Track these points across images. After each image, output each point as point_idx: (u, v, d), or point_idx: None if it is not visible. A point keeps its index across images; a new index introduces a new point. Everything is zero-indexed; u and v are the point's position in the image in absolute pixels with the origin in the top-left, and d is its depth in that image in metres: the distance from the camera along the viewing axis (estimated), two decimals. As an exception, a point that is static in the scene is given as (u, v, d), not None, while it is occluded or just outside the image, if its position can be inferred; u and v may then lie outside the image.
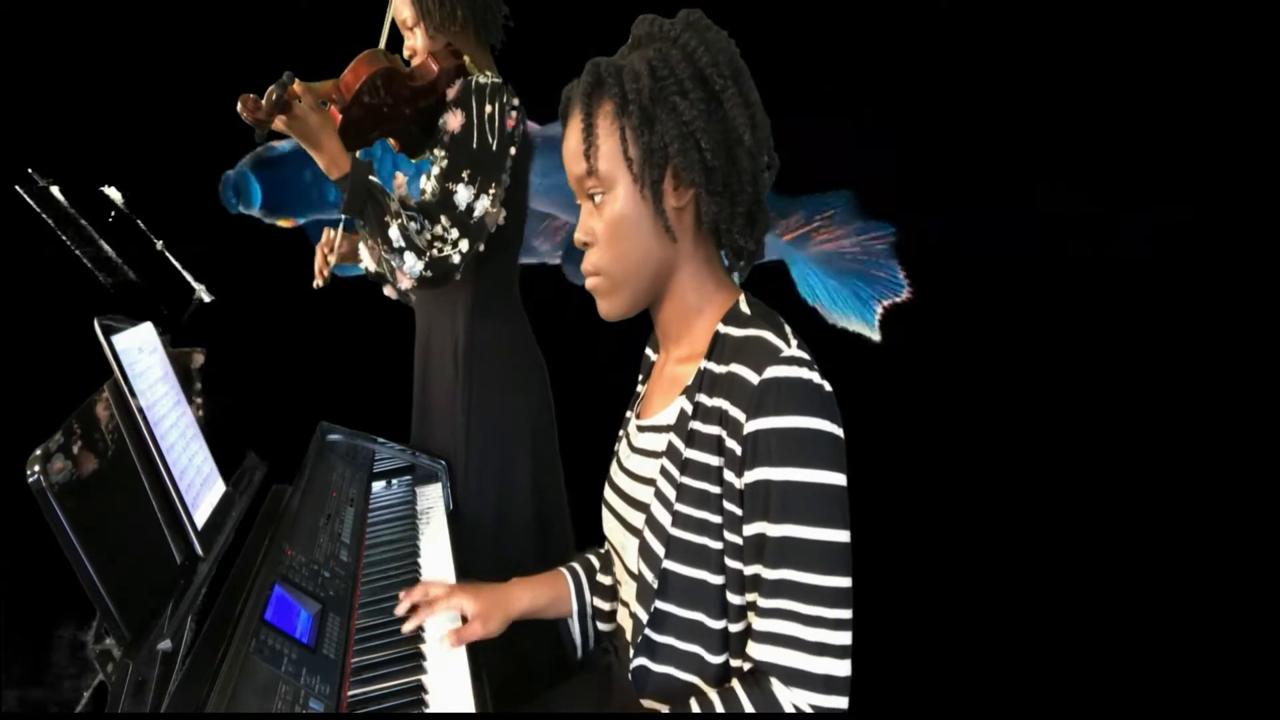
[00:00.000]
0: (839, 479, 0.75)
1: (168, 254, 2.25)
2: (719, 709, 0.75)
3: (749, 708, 0.73)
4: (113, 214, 2.16)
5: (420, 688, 0.91)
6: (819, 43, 2.20)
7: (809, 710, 0.71)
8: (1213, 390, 1.99)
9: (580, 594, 1.05)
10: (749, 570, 0.76)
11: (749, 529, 0.76)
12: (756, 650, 0.74)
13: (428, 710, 0.89)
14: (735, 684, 0.76)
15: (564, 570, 1.07)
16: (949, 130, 2.20)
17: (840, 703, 0.72)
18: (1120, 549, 2.02)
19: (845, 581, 0.74)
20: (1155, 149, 2.00)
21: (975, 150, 2.18)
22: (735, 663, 0.81)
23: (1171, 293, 2.03)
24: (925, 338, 2.30)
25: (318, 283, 1.49)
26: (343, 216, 1.43)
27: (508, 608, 1.02)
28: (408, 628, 0.99)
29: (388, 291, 1.62)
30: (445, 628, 1.00)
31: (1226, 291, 1.97)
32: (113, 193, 2.14)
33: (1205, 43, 1.91)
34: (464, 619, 1.01)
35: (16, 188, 1.96)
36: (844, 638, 0.73)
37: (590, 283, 0.88)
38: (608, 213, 0.83)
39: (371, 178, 1.32)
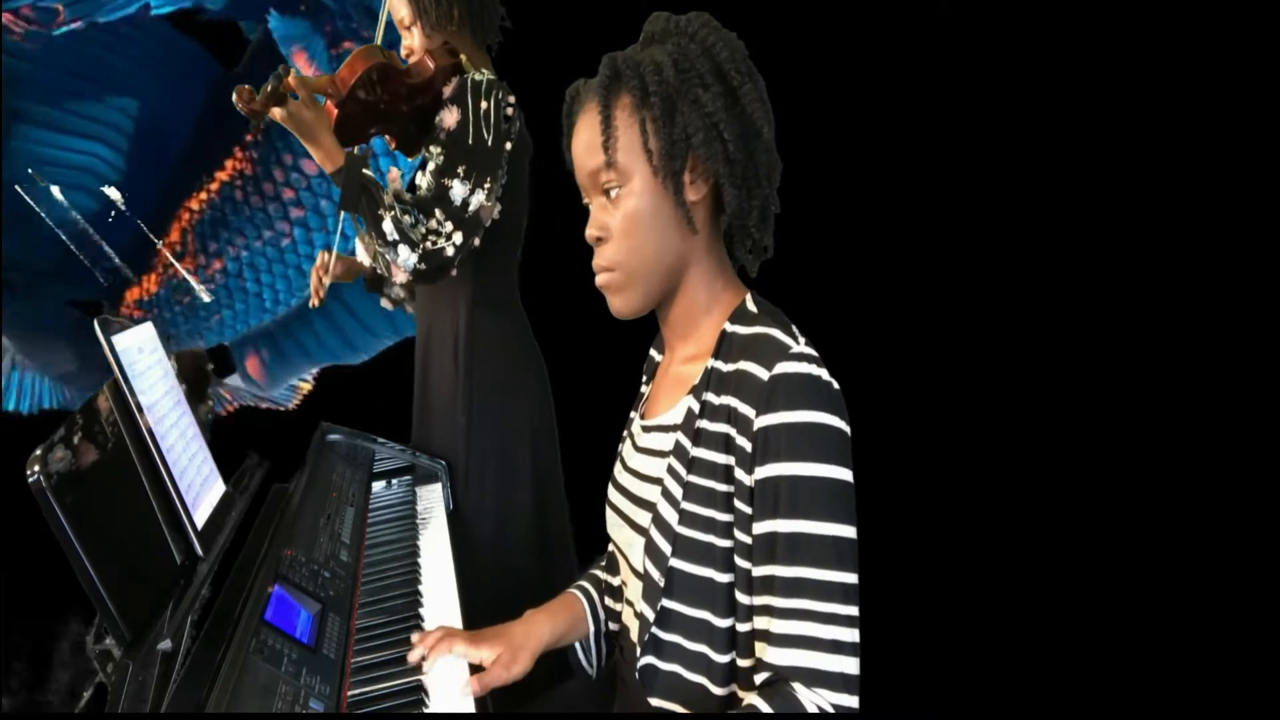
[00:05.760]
0: (848, 475, 0.75)
1: (168, 254, 2.26)
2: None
3: (768, 710, 0.72)
4: (113, 214, 2.16)
5: (420, 688, 0.91)
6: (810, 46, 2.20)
7: (830, 710, 0.71)
8: (1213, 389, 1.99)
9: (595, 613, 1.03)
10: (760, 571, 0.76)
11: (759, 527, 0.75)
12: (775, 655, 0.73)
13: (428, 710, 0.89)
14: (753, 696, 0.74)
15: (575, 592, 1.04)
16: (941, 127, 2.20)
17: (854, 701, 0.72)
18: (1127, 546, 2.02)
19: (854, 578, 0.74)
20: (1146, 146, 2.00)
21: (971, 150, 2.18)
22: (743, 663, 0.80)
23: (1168, 291, 2.03)
24: (928, 338, 2.30)
25: (314, 303, 1.56)
26: (334, 237, 1.51)
27: (530, 646, 0.96)
28: (417, 662, 0.93)
29: (384, 303, 1.64)
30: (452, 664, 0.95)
31: (1223, 290, 1.98)
32: (113, 193, 2.14)
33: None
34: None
35: (17, 188, 1.96)
36: (855, 635, 0.73)
37: (602, 279, 0.87)
38: (624, 206, 0.83)
39: (366, 171, 1.33)
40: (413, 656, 0.93)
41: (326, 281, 1.54)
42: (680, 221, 0.83)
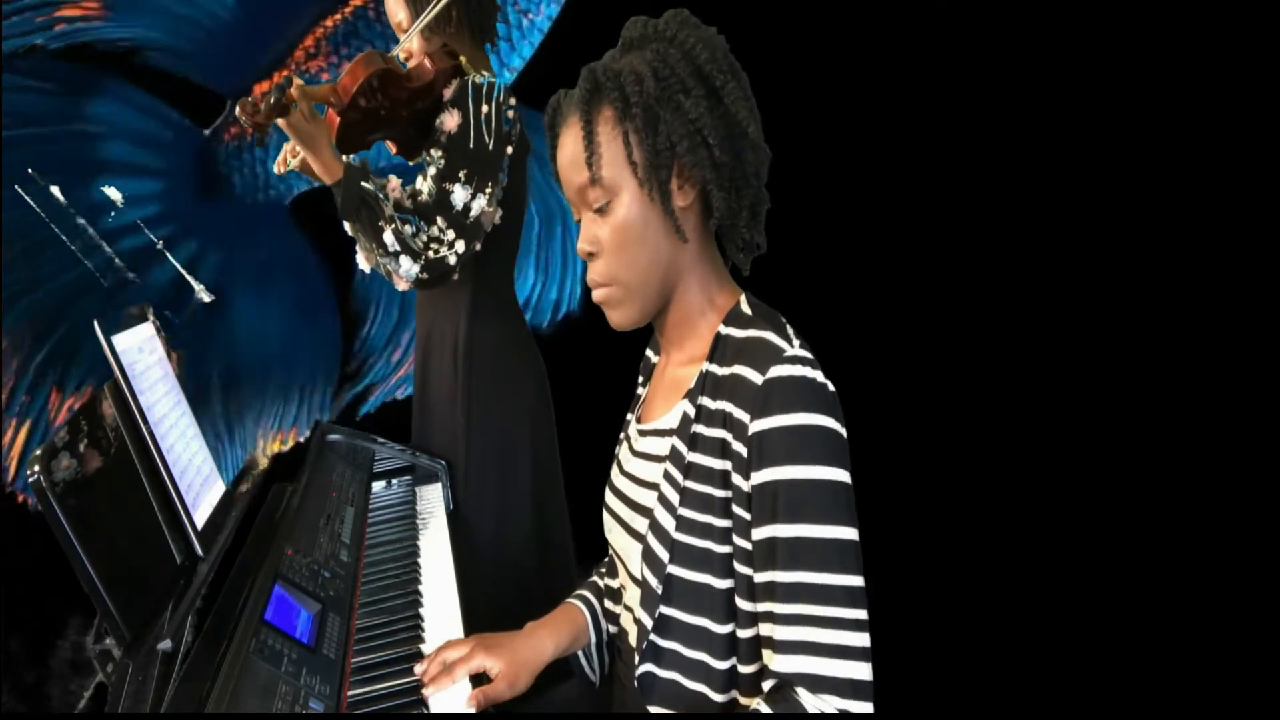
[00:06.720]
0: (845, 477, 0.74)
1: (168, 254, 2.26)
2: None
3: (769, 711, 0.72)
4: (113, 214, 2.16)
5: (420, 688, 0.91)
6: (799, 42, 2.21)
7: (835, 712, 0.70)
8: (1211, 390, 1.99)
9: (597, 622, 1.02)
10: (761, 577, 0.75)
11: (758, 533, 0.75)
12: (779, 662, 0.72)
13: (428, 710, 0.89)
14: (758, 702, 0.74)
15: (576, 601, 1.03)
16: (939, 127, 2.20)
17: (866, 708, 0.71)
18: (1132, 546, 2.02)
19: (859, 581, 0.73)
20: (1148, 147, 2.00)
21: (969, 149, 2.18)
22: (744, 669, 0.80)
23: (1165, 292, 2.03)
24: (924, 339, 2.30)
25: (277, 168, 1.41)
26: None
27: (534, 663, 0.96)
28: (426, 692, 0.93)
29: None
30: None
31: (1225, 290, 1.98)
32: (113, 192, 2.14)
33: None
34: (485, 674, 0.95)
35: (16, 187, 1.96)
36: (864, 639, 0.72)
37: (599, 294, 0.86)
38: (614, 219, 0.82)
39: (365, 183, 1.32)
40: (422, 673, 0.93)
41: (292, 164, 1.38)
42: (670, 229, 0.82)
